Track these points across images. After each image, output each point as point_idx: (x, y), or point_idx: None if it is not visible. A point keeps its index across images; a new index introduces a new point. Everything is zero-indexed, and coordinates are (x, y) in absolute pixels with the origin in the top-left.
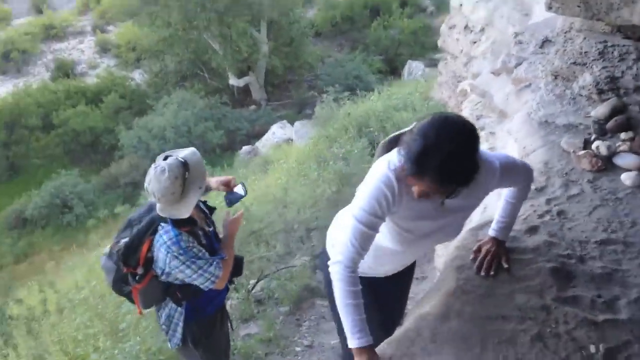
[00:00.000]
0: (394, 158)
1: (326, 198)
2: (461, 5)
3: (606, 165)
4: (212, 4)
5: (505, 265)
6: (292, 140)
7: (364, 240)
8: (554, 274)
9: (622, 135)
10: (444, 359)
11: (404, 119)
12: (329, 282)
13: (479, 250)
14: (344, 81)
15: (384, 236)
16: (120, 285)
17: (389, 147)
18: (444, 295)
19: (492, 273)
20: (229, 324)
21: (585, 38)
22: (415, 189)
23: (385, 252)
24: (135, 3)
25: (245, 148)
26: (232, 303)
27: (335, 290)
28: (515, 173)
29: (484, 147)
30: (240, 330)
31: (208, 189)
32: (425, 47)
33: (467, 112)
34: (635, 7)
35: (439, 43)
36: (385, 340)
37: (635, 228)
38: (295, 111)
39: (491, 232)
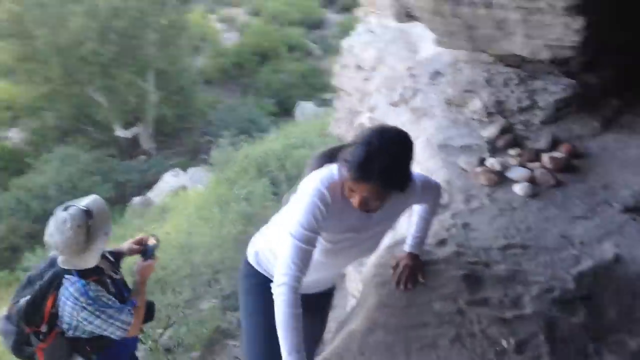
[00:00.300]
0: (325, 174)
1: (232, 239)
2: (351, 46)
3: (500, 179)
4: (95, 57)
5: (422, 280)
6: (186, 187)
7: (304, 257)
8: (465, 280)
9: (511, 152)
10: None
11: (303, 156)
12: (245, 291)
13: (396, 265)
14: (238, 125)
15: None
16: (21, 347)
17: (319, 163)
18: (368, 310)
19: (409, 287)
20: None
21: (471, 68)
22: (355, 199)
23: None
24: (9, 61)
25: (136, 199)
26: (138, 355)
27: (279, 312)
28: (430, 189)
29: None
30: None
31: (121, 256)
32: (315, 88)
33: None
34: (513, 39)
35: (333, 82)
36: None
37: (530, 233)
38: (188, 158)
39: (407, 247)
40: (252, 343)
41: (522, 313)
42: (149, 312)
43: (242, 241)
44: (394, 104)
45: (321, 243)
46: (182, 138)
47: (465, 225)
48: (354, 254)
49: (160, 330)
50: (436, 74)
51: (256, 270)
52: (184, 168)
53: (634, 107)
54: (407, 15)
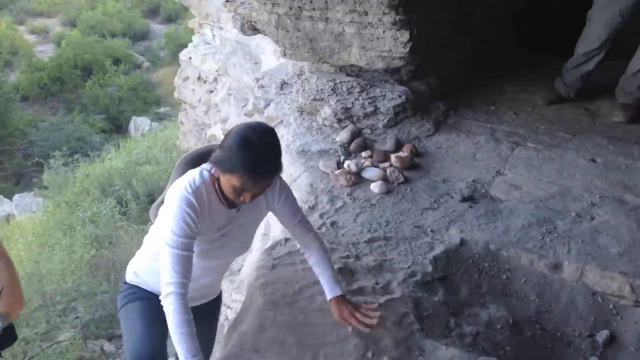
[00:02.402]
0: (188, 179)
1: (85, 264)
2: (190, 58)
3: (358, 179)
4: None
5: (377, 313)
6: (13, 215)
7: (184, 263)
8: (340, 272)
9: (364, 154)
10: None
11: (150, 173)
12: (121, 307)
13: (342, 319)
14: (66, 145)
15: None
16: None
17: (183, 170)
18: (256, 310)
19: (372, 321)
20: None
21: (318, 78)
22: (245, 196)
23: None
24: None
25: None
26: None
27: (170, 321)
28: (290, 197)
29: None
30: None
31: None
32: (148, 102)
33: None
34: (351, 51)
35: (175, 94)
36: None
37: (389, 226)
38: (12, 184)
39: (328, 297)
40: (128, 332)
41: (393, 297)
42: (9, 335)
43: (98, 265)
44: (248, 114)
45: (198, 246)
46: (2, 162)
47: (333, 224)
48: (228, 251)
49: None
50: (284, 84)
51: (137, 286)
52: (8, 195)
53: (456, 110)
54: (251, 28)
